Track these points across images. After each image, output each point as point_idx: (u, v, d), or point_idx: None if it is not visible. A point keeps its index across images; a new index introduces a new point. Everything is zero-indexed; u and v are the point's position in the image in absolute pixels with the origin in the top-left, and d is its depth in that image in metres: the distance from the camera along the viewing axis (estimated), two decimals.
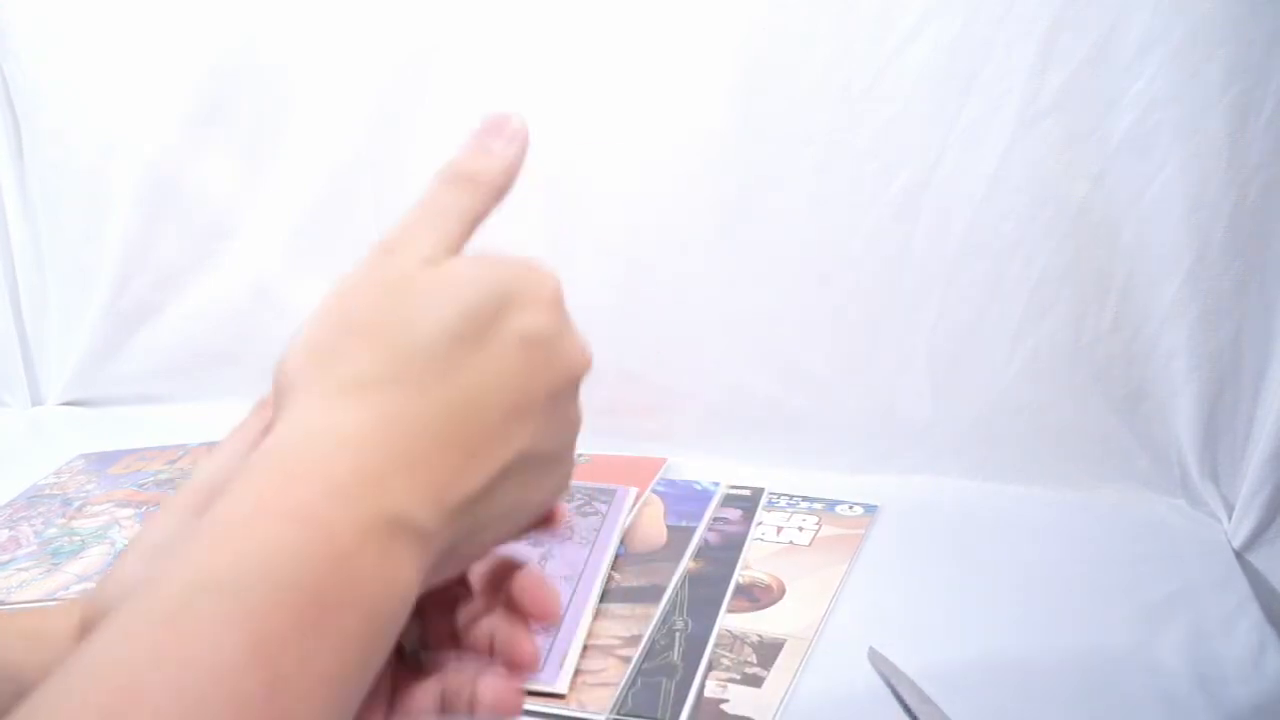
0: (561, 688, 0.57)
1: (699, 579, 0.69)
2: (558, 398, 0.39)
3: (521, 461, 0.38)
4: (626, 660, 0.60)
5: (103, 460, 0.89)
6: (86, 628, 0.41)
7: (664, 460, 0.83)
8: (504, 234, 0.98)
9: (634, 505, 0.75)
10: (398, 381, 0.36)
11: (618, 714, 0.56)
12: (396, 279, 0.38)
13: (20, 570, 0.72)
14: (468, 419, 0.37)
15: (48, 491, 0.84)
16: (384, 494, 0.33)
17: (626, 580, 0.67)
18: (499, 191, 0.42)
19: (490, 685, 0.38)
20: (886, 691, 0.58)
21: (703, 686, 0.58)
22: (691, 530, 0.74)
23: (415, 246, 0.39)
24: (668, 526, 0.74)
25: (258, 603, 0.29)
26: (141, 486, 0.84)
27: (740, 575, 0.69)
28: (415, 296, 0.37)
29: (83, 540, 0.75)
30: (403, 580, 0.33)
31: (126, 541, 0.74)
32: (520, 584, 0.41)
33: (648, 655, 0.61)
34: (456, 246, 0.40)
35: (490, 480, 0.37)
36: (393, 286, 0.38)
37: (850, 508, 0.77)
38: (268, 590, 0.30)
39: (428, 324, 0.37)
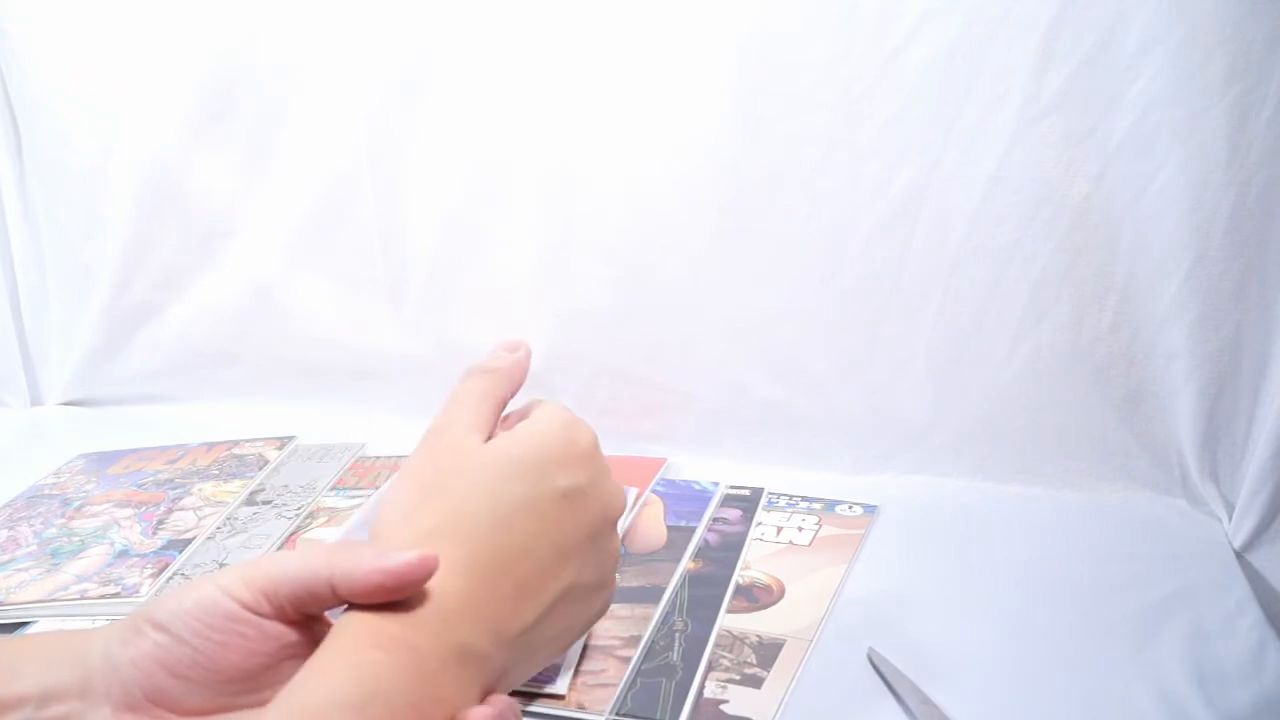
0: (561, 688, 0.57)
1: (699, 579, 0.69)
2: (597, 537, 0.49)
3: (568, 593, 0.47)
4: (626, 661, 0.60)
5: (102, 460, 0.89)
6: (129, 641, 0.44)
7: (664, 460, 0.83)
8: (504, 234, 0.99)
9: (634, 505, 0.75)
10: (462, 537, 0.45)
11: (617, 714, 0.56)
12: (452, 454, 0.48)
13: (20, 570, 0.72)
14: (520, 564, 0.45)
15: (47, 492, 0.84)
16: (455, 628, 0.43)
17: (626, 580, 0.67)
18: (513, 382, 0.53)
19: None
20: (886, 692, 0.58)
21: (702, 687, 0.58)
22: (691, 530, 0.74)
23: (459, 427, 0.49)
24: (667, 527, 0.74)
25: (376, 716, 0.39)
26: (141, 486, 0.84)
27: (740, 575, 0.69)
28: (474, 465, 0.47)
29: (82, 540, 0.75)
30: (466, 697, 0.42)
31: (126, 544, 0.74)
32: None
33: (647, 656, 0.61)
34: (488, 424, 0.50)
35: (541, 613, 0.46)
36: (450, 461, 0.47)
37: (850, 508, 0.77)
38: (380, 707, 0.39)
39: (483, 490, 0.46)
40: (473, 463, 0.47)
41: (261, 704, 0.44)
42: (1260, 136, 0.68)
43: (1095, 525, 0.74)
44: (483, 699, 0.43)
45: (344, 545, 0.51)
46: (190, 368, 1.00)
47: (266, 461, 0.87)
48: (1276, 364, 0.71)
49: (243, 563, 0.47)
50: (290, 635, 0.45)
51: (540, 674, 0.57)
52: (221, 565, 0.72)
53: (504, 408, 0.53)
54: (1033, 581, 0.68)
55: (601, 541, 0.49)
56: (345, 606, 0.44)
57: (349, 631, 0.42)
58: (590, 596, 0.49)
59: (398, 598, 0.43)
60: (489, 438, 0.50)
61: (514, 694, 0.56)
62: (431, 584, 0.43)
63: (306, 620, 0.45)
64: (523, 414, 0.52)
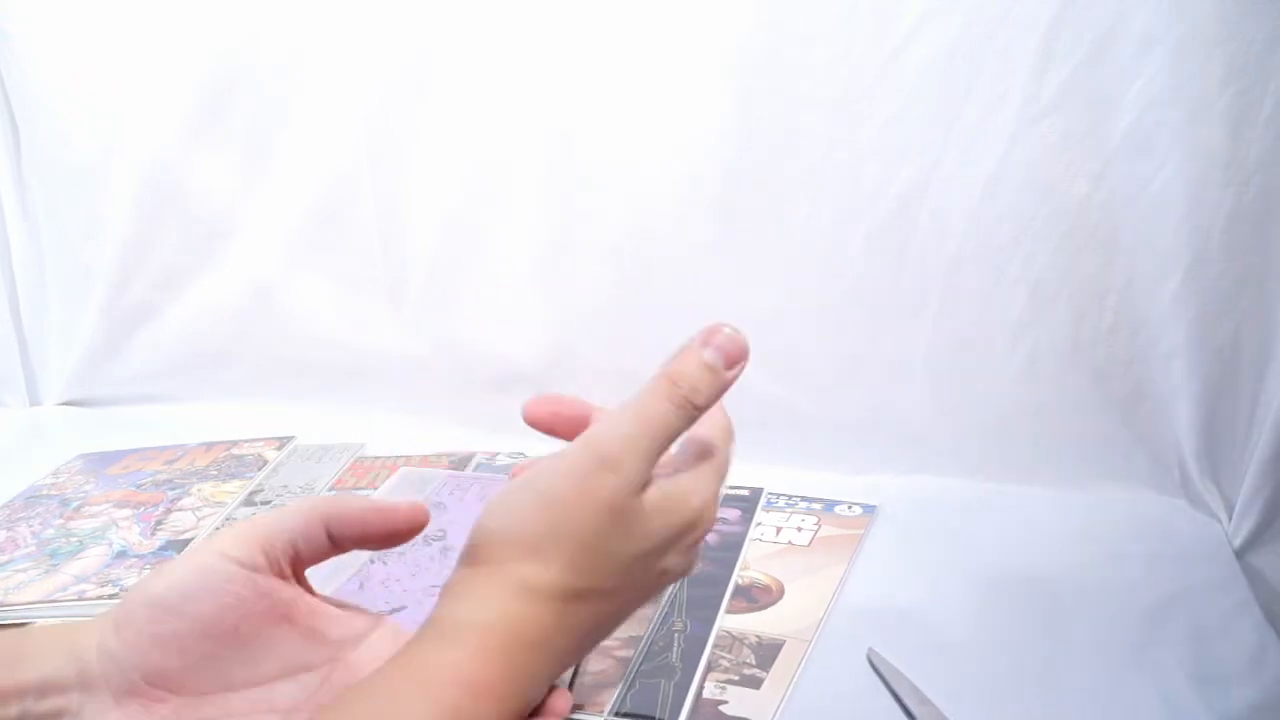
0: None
1: (698, 579, 0.68)
2: (659, 596, 0.52)
3: (610, 626, 0.48)
4: (625, 661, 0.60)
5: (101, 460, 0.89)
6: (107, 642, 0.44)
7: None
8: (504, 234, 0.98)
9: None
10: (580, 597, 0.44)
11: (616, 715, 0.56)
12: (610, 507, 0.44)
13: (18, 571, 0.72)
14: (606, 627, 0.47)
15: (46, 492, 0.84)
16: (533, 680, 0.43)
17: None
18: (702, 415, 0.48)
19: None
20: (886, 692, 0.58)
21: (701, 687, 0.58)
22: None
23: (630, 470, 0.45)
24: None
25: None
26: (140, 487, 0.83)
27: (739, 576, 0.69)
28: (621, 529, 0.45)
29: (81, 541, 0.75)
30: (539, 685, 0.44)
31: (125, 545, 0.74)
32: None
33: (646, 656, 0.61)
34: (660, 458, 0.47)
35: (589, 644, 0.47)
36: (605, 512, 0.44)
37: (849, 508, 0.77)
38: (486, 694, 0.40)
39: (619, 557, 0.45)
40: (622, 529, 0.45)
41: (258, 682, 0.45)
42: (1260, 136, 0.68)
43: (1095, 525, 0.74)
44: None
45: (335, 495, 0.51)
46: (189, 368, 1.00)
47: (265, 462, 0.87)
48: (1276, 364, 0.71)
49: (236, 523, 0.47)
50: (284, 591, 0.46)
51: None
52: None
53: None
54: (1032, 581, 0.68)
55: (658, 595, 0.51)
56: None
57: (435, 655, 0.42)
58: (620, 624, 0.50)
59: (389, 545, 0.46)
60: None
61: None
62: (534, 639, 0.43)
63: (299, 579, 0.47)
64: (699, 449, 0.50)
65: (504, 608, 0.43)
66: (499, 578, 0.43)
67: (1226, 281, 0.71)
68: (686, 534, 0.47)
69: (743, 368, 0.48)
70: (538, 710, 0.46)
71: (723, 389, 0.48)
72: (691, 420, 0.47)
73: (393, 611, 0.64)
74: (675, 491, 0.47)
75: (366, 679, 0.42)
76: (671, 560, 0.47)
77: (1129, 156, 0.72)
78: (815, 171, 0.78)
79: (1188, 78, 0.68)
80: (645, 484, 0.45)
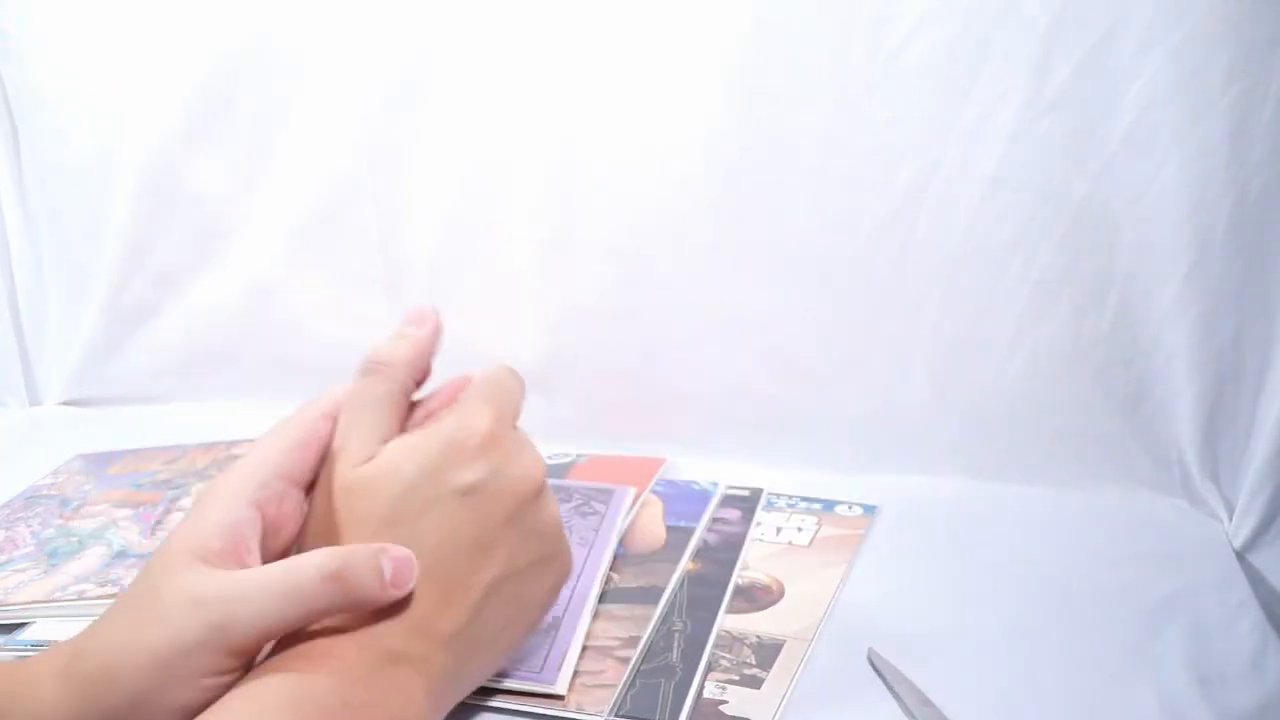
0: (560, 689, 0.57)
1: (698, 580, 0.68)
2: (518, 519, 0.47)
3: (500, 583, 0.46)
4: (625, 661, 0.60)
5: (101, 460, 0.89)
6: (72, 674, 0.44)
7: (663, 460, 0.82)
8: (504, 234, 0.98)
9: (632, 505, 0.75)
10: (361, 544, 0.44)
11: (616, 715, 0.56)
12: (339, 489, 0.47)
13: (17, 571, 0.72)
14: (436, 569, 0.45)
15: (45, 492, 0.84)
16: (380, 636, 0.43)
17: (625, 581, 0.67)
18: (415, 370, 0.50)
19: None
20: (886, 692, 0.58)
21: (701, 688, 0.58)
22: (690, 531, 0.74)
23: (350, 449, 0.47)
24: (666, 527, 0.74)
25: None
26: (139, 487, 0.83)
27: (739, 576, 0.69)
28: (356, 499, 0.46)
29: (80, 541, 0.75)
30: (408, 698, 0.43)
31: (124, 545, 0.74)
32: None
33: (646, 656, 0.61)
34: (391, 431, 0.48)
35: (473, 609, 0.45)
36: (339, 494, 0.46)
37: (850, 508, 0.77)
38: (314, 713, 0.40)
39: (385, 511, 0.45)
40: (358, 496, 0.46)
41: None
42: (1261, 136, 0.68)
43: (1095, 525, 0.74)
44: (441, 698, 0.46)
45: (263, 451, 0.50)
46: (189, 368, 0.99)
47: None
48: (1277, 364, 0.71)
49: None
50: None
51: (538, 673, 0.57)
52: None
53: (407, 398, 0.51)
54: (1033, 582, 0.68)
55: (526, 522, 0.47)
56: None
57: (274, 658, 0.43)
58: (534, 577, 0.48)
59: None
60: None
61: (511, 693, 0.56)
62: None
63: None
64: (450, 396, 0.51)
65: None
66: None
67: (1228, 282, 0.71)
68: (452, 453, 0.46)
69: (433, 324, 0.51)
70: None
71: (417, 346, 0.51)
72: (397, 376, 0.50)
73: None
74: (410, 438, 0.48)
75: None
76: (455, 477, 0.46)
77: (1129, 156, 0.72)
78: (815, 171, 0.78)
79: (1188, 78, 0.68)
80: (372, 454, 0.47)
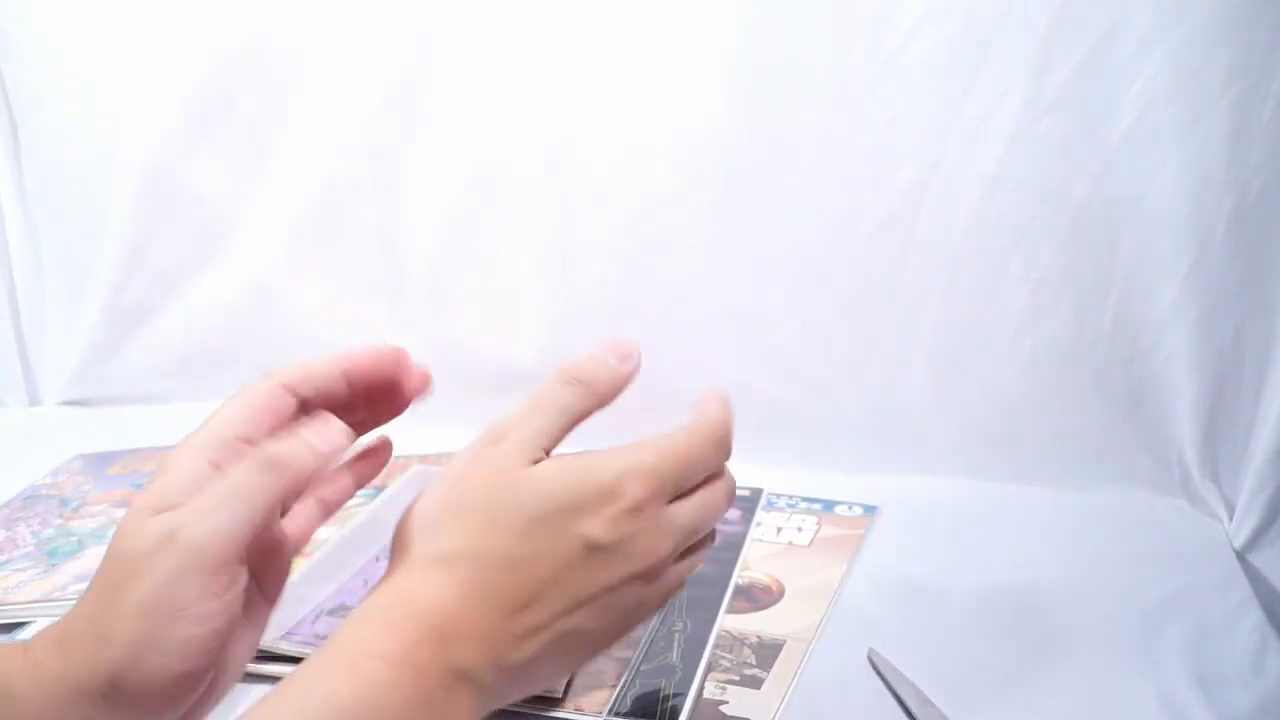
0: (558, 690, 0.57)
1: (698, 579, 0.68)
2: (618, 591, 0.47)
3: (575, 633, 0.46)
4: (624, 662, 0.60)
5: (100, 460, 0.89)
6: (65, 647, 0.45)
7: None
8: (504, 234, 0.98)
9: None
10: (477, 566, 0.44)
11: (616, 715, 0.56)
12: (495, 472, 0.46)
13: (17, 571, 0.72)
14: (531, 604, 0.45)
15: (45, 492, 0.84)
16: (457, 651, 0.43)
17: None
18: (603, 400, 0.50)
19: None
20: (886, 692, 0.58)
21: (701, 688, 0.58)
22: None
23: (518, 438, 0.47)
24: None
25: None
26: (139, 487, 0.83)
27: (740, 576, 0.69)
28: (506, 492, 0.45)
29: (80, 541, 0.75)
30: (462, 716, 0.43)
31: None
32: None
33: (646, 656, 0.60)
34: (555, 440, 0.48)
35: (543, 647, 0.45)
36: (491, 478, 0.46)
37: (850, 508, 0.77)
38: (372, 716, 0.39)
39: (509, 524, 0.45)
40: (508, 492, 0.46)
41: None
42: (1260, 136, 0.68)
43: (1095, 525, 0.74)
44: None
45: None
46: (189, 368, 0.99)
47: None
48: (1277, 364, 0.71)
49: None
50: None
51: None
52: None
53: (582, 420, 0.50)
54: (1033, 581, 0.68)
55: (626, 598, 0.47)
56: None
57: (350, 636, 0.42)
58: (603, 636, 0.48)
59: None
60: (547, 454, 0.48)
61: None
62: (438, 606, 0.43)
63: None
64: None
65: (406, 582, 0.44)
66: (404, 561, 0.45)
67: (1228, 282, 0.71)
68: (601, 503, 0.45)
69: (636, 361, 0.52)
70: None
71: (616, 378, 0.51)
72: (589, 399, 0.49)
73: None
74: (577, 462, 0.47)
75: (298, 666, 0.42)
76: (590, 527, 0.45)
77: (1129, 156, 0.72)
78: (815, 171, 0.78)
79: (1188, 78, 0.68)
80: (538, 456, 0.47)
